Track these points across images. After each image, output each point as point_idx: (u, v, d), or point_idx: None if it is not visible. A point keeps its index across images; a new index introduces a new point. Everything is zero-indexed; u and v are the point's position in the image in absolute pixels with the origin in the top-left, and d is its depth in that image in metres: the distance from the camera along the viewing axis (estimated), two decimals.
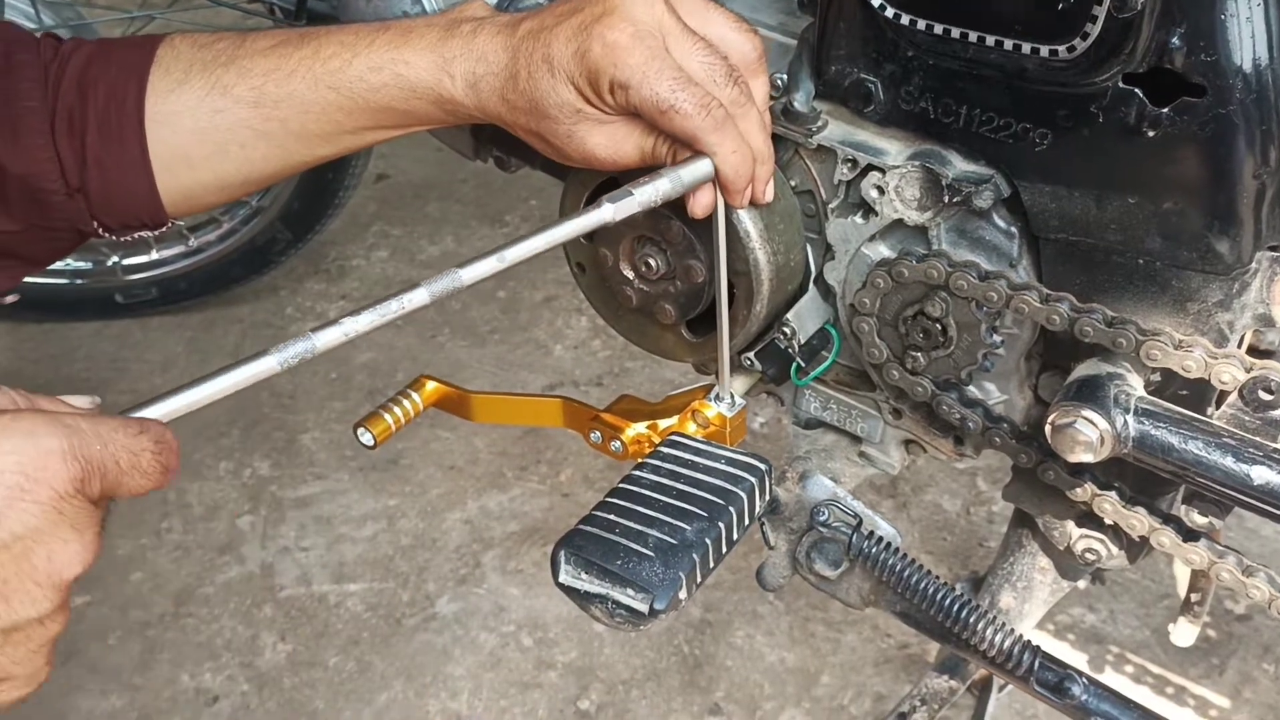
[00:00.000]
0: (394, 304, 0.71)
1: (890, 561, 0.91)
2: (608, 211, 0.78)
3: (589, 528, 0.78)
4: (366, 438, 0.95)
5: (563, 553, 0.77)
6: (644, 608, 0.74)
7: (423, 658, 1.55)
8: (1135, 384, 0.82)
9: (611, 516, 0.79)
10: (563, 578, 0.77)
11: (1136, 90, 0.76)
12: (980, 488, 1.79)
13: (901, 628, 1.56)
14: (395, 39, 0.83)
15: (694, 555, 0.76)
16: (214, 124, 0.84)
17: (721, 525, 0.79)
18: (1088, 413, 0.79)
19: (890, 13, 0.82)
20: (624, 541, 0.77)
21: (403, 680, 1.52)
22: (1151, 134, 0.76)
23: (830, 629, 1.57)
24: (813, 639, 1.56)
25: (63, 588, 0.57)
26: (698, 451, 0.85)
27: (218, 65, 0.85)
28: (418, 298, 0.72)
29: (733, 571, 1.65)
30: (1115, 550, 0.95)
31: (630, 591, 0.75)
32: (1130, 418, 0.80)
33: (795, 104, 0.90)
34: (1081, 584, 1.60)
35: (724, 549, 0.79)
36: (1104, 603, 1.59)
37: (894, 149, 0.88)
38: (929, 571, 0.91)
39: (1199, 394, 0.85)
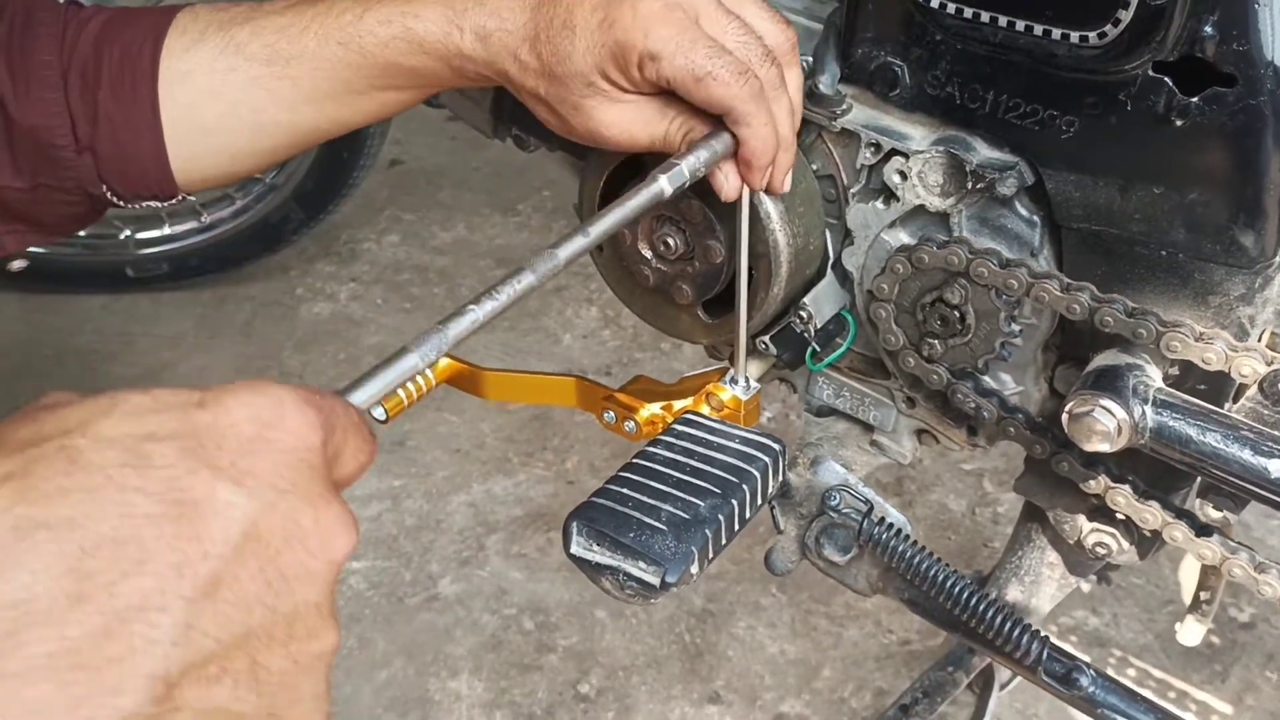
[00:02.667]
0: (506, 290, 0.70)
1: (900, 548, 0.91)
2: (663, 184, 0.77)
3: (602, 500, 0.78)
4: (379, 412, 0.94)
5: (575, 524, 0.77)
6: (655, 580, 0.74)
7: (424, 637, 1.55)
8: (1154, 375, 0.82)
9: (625, 490, 0.79)
10: (574, 549, 0.77)
11: (1166, 79, 0.75)
12: (987, 489, 1.79)
13: (904, 624, 1.56)
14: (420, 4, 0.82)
15: (707, 531, 0.76)
16: (226, 83, 0.84)
17: (735, 503, 0.78)
18: (1106, 402, 0.79)
19: None
20: (637, 515, 0.76)
21: (403, 658, 1.52)
22: (1180, 123, 0.76)
23: (832, 623, 1.57)
24: (815, 632, 1.56)
25: (336, 564, 0.44)
26: (712, 430, 0.85)
27: (234, 24, 0.84)
28: (526, 281, 0.70)
29: (736, 563, 1.64)
30: (1126, 545, 0.95)
31: (642, 564, 0.74)
32: (1149, 408, 0.79)
33: (820, 86, 0.90)
34: (1085, 586, 1.60)
35: (736, 526, 0.79)
36: (1108, 606, 1.59)
37: (918, 134, 0.88)
38: (939, 559, 0.91)
39: (1217, 389, 0.84)
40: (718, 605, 1.59)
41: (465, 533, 1.71)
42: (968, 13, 0.80)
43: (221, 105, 0.84)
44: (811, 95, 0.90)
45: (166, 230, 2.16)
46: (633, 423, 0.94)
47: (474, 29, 0.80)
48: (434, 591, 1.61)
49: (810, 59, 0.91)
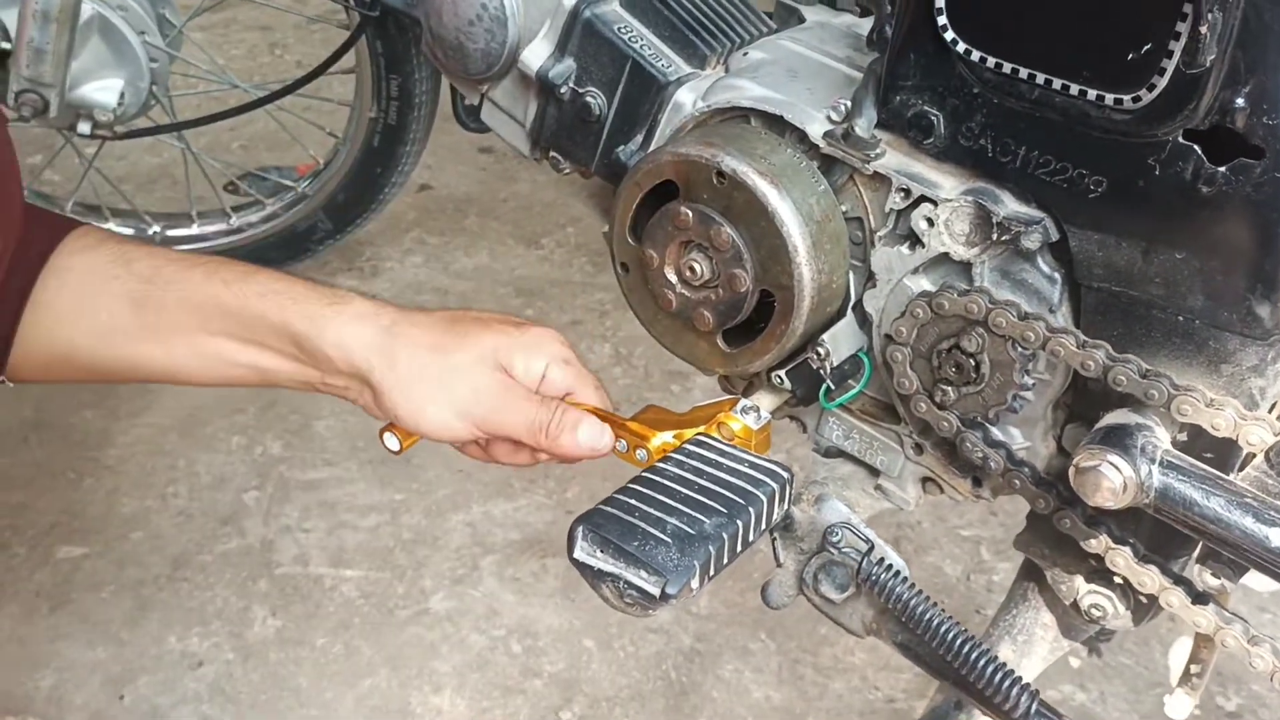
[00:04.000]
0: None
1: (898, 589, 0.92)
2: None
3: (609, 508, 0.79)
4: (392, 443, 0.95)
5: (581, 528, 0.78)
6: (655, 590, 0.75)
7: (410, 650, 1.55)
8: (1163, 437, 0.83)
9: (632, 501, 0.80)
10: (578, 553, 0.78)
11: (1195, 147, 0.77)
12: (984, 556, 1.79)
13: (891, 682, 1.55)
14: (305, 287, 0.91)
15: (710, 547, 0.77)
16: (102, 288, 0.89)
17: (739, 523, 0.79)
18: (1114, 458, 0.80)
19: (962, 48, 0.84)
20: (643, 525, 0.77)
21: (388, 669, 1.52)
22: (1205, 191, 0.78)
23: (819, 674, 1.56)
24: (800, 681, 1.55)
25: None
26: (723, 453, 0.86)
27: (132, 245, 0.92)
28: None
29: (728, 606, 1.64)
30: (1122, 609, 0.95)
31: (643, 574, 0.75)
32: (1155, 468, 0.80)
33: (856, 129, 0.92)
34: (1075, 662, 1.59)
35: (739, 547, 0.80)
36: (1095, 683, 1.58)
37: (948, 183, 0.90)
38: (935, 603, 0.91)
39: (1223, 456, 0.85)
40: (706, 646, 1.59)
41: (461, 551, 1.71)
42: (1006, 68, 0.83)
43: (86, 303, 0.89)
44: (847, 138, 0.92)
45: (195, 230, 2.19)
46: (644, 451, 0.94)
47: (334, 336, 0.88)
48: (425, 606, 1.61)
49: (849, 103, 0.93)
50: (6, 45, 1.61)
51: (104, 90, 1.74)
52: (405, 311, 0.90)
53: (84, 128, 1.76)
